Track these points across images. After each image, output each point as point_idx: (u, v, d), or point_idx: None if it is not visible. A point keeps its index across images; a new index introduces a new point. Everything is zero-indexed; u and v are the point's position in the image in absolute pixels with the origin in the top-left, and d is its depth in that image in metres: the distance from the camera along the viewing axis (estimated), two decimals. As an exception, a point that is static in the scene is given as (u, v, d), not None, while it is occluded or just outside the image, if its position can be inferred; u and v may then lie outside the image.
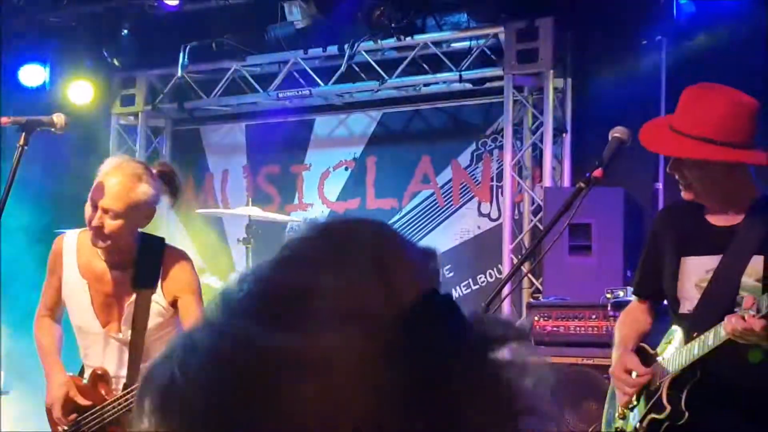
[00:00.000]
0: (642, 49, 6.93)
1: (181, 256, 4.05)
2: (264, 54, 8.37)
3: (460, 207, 7.97)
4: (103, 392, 3.99)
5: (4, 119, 3.87)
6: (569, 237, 6.21)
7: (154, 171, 3.92)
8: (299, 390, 0.73)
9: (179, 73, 8.40)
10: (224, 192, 9.04)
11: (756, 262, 3.25)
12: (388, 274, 0.78)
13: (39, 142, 3.92)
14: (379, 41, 7.80)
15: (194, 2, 8.11)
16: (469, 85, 7.76)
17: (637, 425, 3.43)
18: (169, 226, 8.19)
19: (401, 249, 0.82)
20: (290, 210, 8.50)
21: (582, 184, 3.19)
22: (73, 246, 4.05)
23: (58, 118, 3.89)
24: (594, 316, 5.75)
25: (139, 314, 3.94)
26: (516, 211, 7.53)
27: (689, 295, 3.38)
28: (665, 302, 3.57)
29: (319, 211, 8.43)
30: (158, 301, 3.96)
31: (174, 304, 3.97)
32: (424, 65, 7.86)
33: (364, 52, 7.91)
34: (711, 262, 3.34)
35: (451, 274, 7.61)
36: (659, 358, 3.43)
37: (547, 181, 7.21)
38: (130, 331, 3.96)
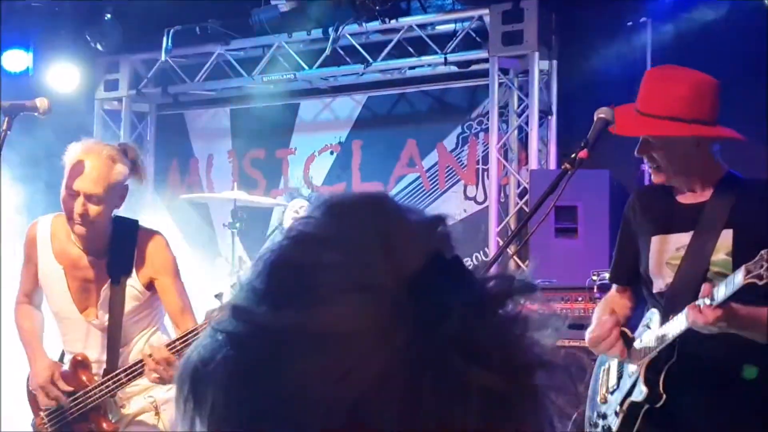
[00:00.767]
0: (627, 30, 6.91)
1: (155, 237, 4.04)
2: (248, 38, 8.34)
3: (446, 190, 7.96)
4: (84, 378, 3.99)
5: (-13, 105, 3.86)
6: (555, 219, 6.22)
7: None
8: (316, 362, 0.75)
9: (163, 58, 8.36)
10: (209, 177, 9.01)
11: (725, 236, 3.26)
12: (392, 244, 0.80)
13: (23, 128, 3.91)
14: (363, 24, 7.76)
15: (177, -14, 8.08)
16: (454, 68, 7.71)
17: (617, 409, 3.44)
18: (155, 212, 8.17)
19: (404, 218, 0.83)
20: (276, 194, 8.47)
21: (567, 165, 3.19)
22: (47, 232, 4.04)
23: (41, 102, 3.89)
24: (580, 299, 5.76)
25: (115, 299, 3.94)
26: (502, 194, 7.52)
27: (661, 273, 3.38)
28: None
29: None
30: (133, 285, 3.96)
31: (150, 286, 3.98)
32: (409, 48, 7.81)
33: (348, 36, 7.87)
34: (681, 239, 3.35)
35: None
36: (636, 342, 3.42)
37: (533, 164, 7.20)
38: (107, 316, 3.96)
